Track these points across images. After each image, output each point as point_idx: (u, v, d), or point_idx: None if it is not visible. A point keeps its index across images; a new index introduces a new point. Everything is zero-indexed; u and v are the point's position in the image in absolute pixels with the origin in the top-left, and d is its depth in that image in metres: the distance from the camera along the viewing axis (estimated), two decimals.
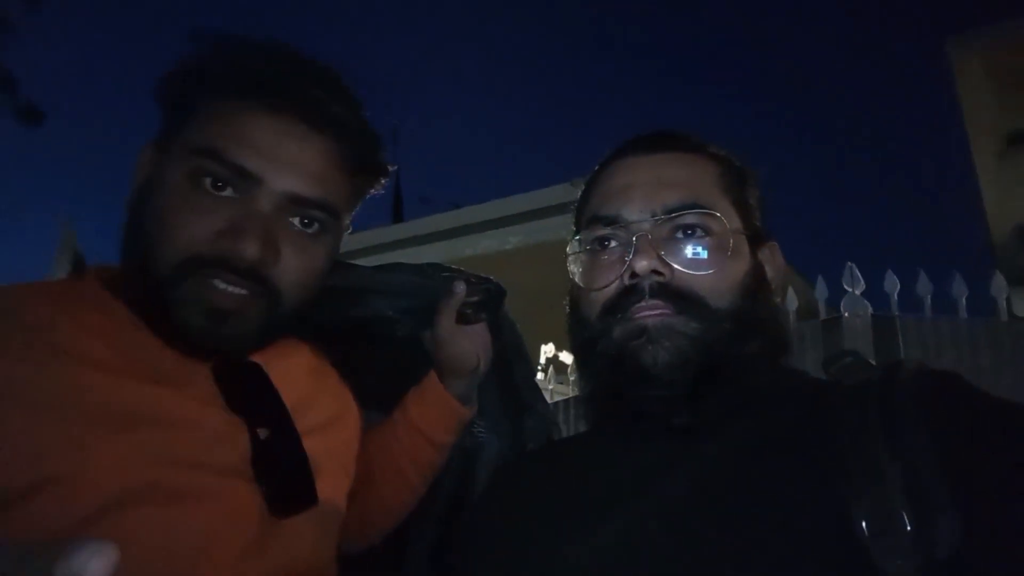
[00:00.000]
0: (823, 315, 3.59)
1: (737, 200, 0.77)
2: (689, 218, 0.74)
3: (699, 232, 0.74)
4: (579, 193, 0.86)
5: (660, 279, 0.72)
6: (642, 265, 0.72)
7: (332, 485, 0.82)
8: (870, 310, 3.38)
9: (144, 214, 0.73)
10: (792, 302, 3.58)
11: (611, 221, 0.76)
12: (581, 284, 0.78)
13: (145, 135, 0.81)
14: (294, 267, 0.74)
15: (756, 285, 0.75)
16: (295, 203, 0.74)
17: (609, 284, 0.74)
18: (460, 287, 0.95)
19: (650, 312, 0.71)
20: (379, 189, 0.88)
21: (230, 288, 0.71)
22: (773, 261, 0.80)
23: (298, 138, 0.74)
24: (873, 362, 0.71)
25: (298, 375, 0.84)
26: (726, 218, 0.74)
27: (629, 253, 0.73)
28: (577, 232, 0.82)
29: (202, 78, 0.76)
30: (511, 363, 1.09)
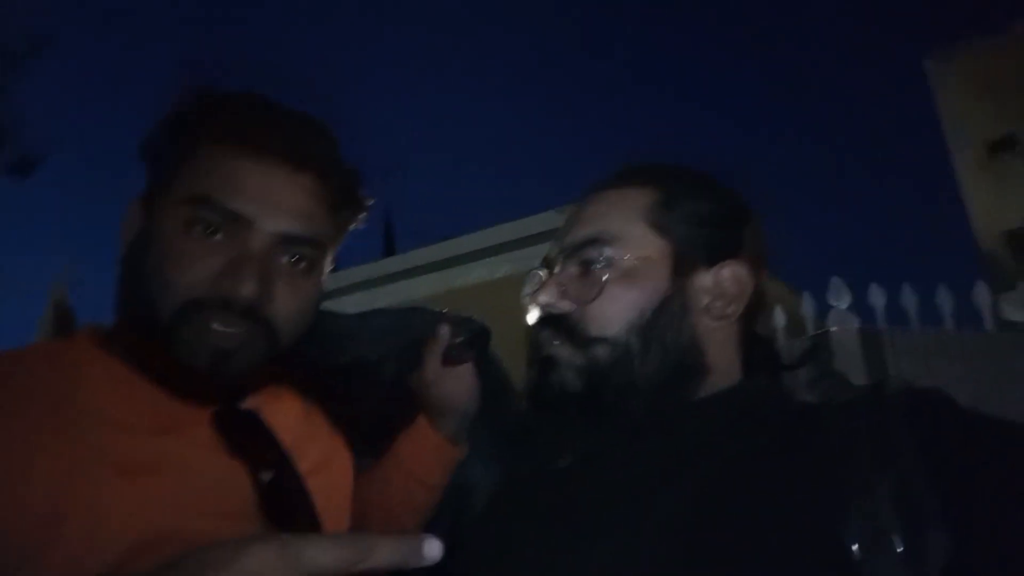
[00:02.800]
0: (811, 331, 3.60)
1: (664, 227, 0.77)
2: (586, 251, 0.77)
3: (594, 264, 0.76)
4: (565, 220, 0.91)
5: (554, 311, 0.76)
6: (539, 299, 0.77)
7: (332, 526, 0.83)
8: (857, 324, 3.39)
9: (139, 266, 0.76)
10: (780, 319, 3.60)
11: (544, 261, 0.83)
12: (526, 318, 0.83)
13: (139, 184, 0.83)
14: (288, 303, 0.77)
15: (663, 310, 0.75)
16: (285, 242, 0.77)
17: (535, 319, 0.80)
18: (444, 329, 0.96)
19: (545, 342, 0.76)
20: (360, 224, 0.91)
21: (229, 329, 0.73)
22: (723, 283, 0.79)
23: (284, 179, 0.77)
24: (862, 377, 0.72)
25: (290, 420, 0.86)
26: (633, 246, 0.76)
27: None
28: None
29: (186, 130, 0.79)
30: (499, 401, 1.10)
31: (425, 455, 0.97)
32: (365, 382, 1.02)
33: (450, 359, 0.96)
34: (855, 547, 0.55)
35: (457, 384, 0.96)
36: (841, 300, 3.50)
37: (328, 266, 0.88)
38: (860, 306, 3.54)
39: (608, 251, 0.76)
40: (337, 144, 0.85)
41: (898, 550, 0.54)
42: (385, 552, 0.46)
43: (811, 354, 0.84)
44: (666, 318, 0.75)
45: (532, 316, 0.81)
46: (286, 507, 0.76)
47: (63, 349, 0.77)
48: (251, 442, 0.78)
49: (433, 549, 0.47)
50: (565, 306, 0.76)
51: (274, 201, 0.76)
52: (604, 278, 0.75)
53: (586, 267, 0.77)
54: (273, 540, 0.45)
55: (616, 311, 0.74)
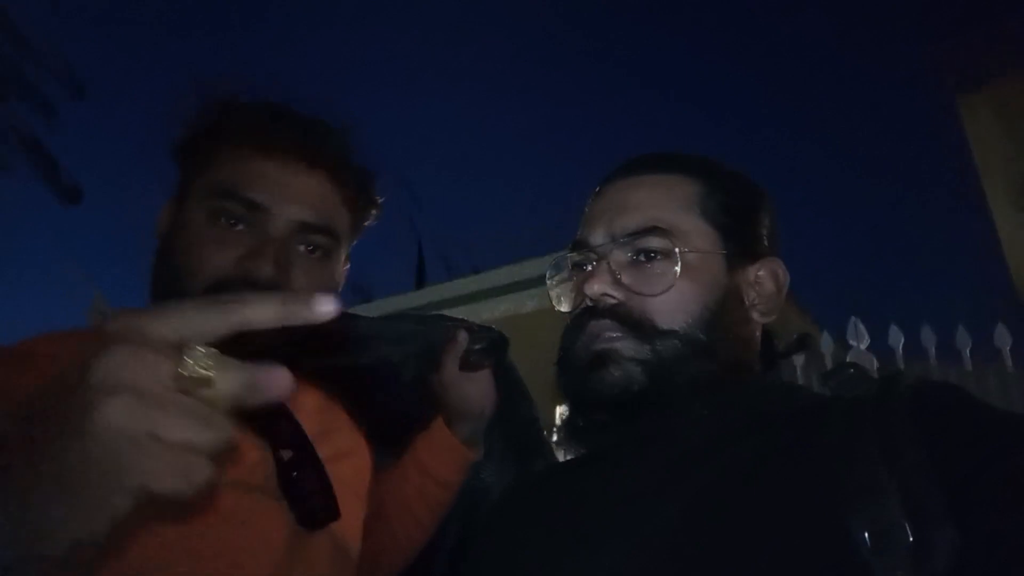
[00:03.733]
0: (828, 367, 3.60)
1: (713, 220, 0.76)
2: (646, 241, 0.74)
3: (655, 254, 0.73)
4: None
5: (611, 302, 0.73)
6: (593, 288, 0.73)
7: (349, 512, 0.86)
8: (875, 364, 3.39)
9: (170, 255, 0.83)
10: (799, 356, 3.61)
11: (580, 246, 0.79)
12: (555, 306, 0.81)
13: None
14: (304, 287, 0.82)
15: (725, 305, 0.74)
16: (300, 229, 0.83)
17: (577, 306, 0.77)
18: (463, 335, 1.01)
19: (600, 334, 0.72)
20: (374, 220, 0.98)
21: None
22: (763, 281, 0.78)
23: (298, 174, 0.84)
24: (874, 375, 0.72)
25: (311, 410, 0.92)
26: (693, 238, 0.74)
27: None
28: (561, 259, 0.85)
29: (211, 135, 0.87)
30: (515, 407, 1.15)
31: (442, 455, 1.02)
32: (387, 383, 1.05)
33: (468, 364, 1.00)
34: (865, 541, 0.54)
35: (474, 389, 1.00)
36: (860, 340, 3.51)
37: (344, 260, 0.94)
38: (879, 345, 3.54)
39: (669, 241, 0.73)
40: (350, 146, 0.92)
41: (900, 541, 0.53)
42: (259, 309, 0.43)
43: (802, 344, 0.86)
44: (728, 314, 0.74)
45: (569, 305, 0.78)
46: (304, 486, 0.80)
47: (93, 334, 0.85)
48: (273, 423, 0.82)
49: (325, 303, 0.43)
50: (621, 296, 0.73)
51: (290, 192, 0.84)
52: (675, 270, 0.72)
53: (644, 256, 0.74)
54: (202, 300, 0.43)
55: (683, 304, 0.72)
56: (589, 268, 0.77)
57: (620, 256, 0.74)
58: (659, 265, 0.73)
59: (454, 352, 1.00)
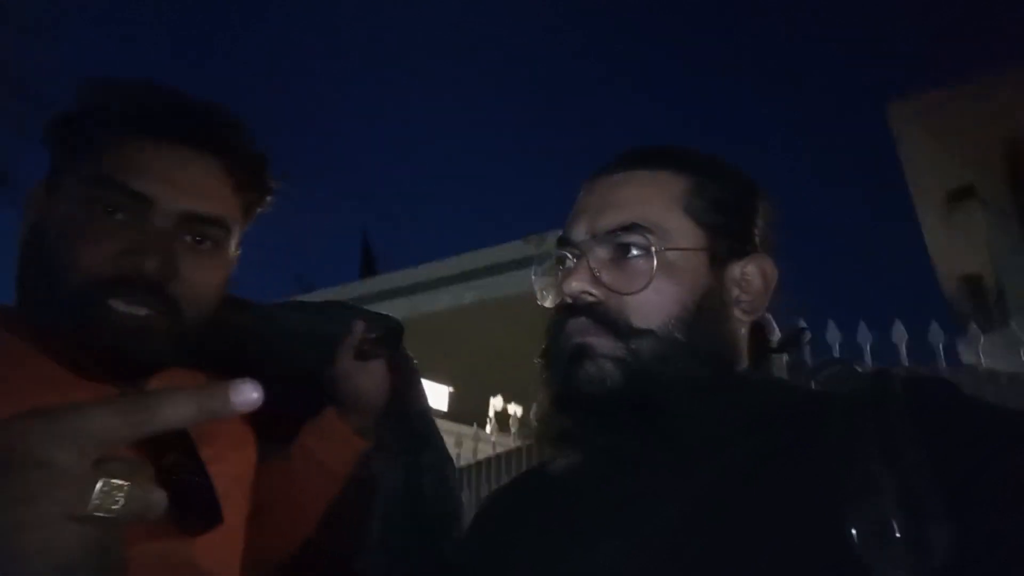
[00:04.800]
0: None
1: (700, 217, 0.75)
2: (624, 237, 0.72)
3: (634, 252, 0.72)
4: (533, 249, 0.89)
5: (589, 299, 0.72)
6: (571, 286, 0.72)
7: (232, 510, 0.84)
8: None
9: (41, 248, 0.76)
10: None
11: (563, 242, 0.77)
12: (539, 301, 0.79)
13: None
14: (192, 282, 0.77)
15: (703, 305, 0.73)
16: (188, 220, 0.78)
17: (557, 303, 0.76)
18: (359, 325, 0.98)
19: (578, 329, 0.71)
20: (267, 207, 0.92)
21: (132, 308, 0.73)
22: (750, 278, 0.77)
23: (185, 160, 0.79)
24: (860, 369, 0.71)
25: None
26: (674, 236, 0.73)
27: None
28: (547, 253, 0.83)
29: (91, 117, 0.80)
30: (408, 398, 1.11)
31: (332, 446, 0.99)
32: (276, 372, 1.01)
33: (363, 354, 0.98)
34: (855, 536, 0.54)
35: (368, 379, 0.98)
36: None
37: (235, 247, 0.88)
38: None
39: (649, 239, 0.72)
40: (242, 129, 0.86)
41: (898, 540, 0.53)
42: (176, 409, 0.42)
43: (794, 340, 0.82)
44: (708, 313, 0.73)
45: (551, 301, 0.77)
46: (186, 491, 0.75)
47: None
48: None
49: (244, 393, 0.43)
50: (600, 294, 0.72)
51: (176, 181, 0.77)
52: (653, 268, 0.71)
53: (623, 254, 0.73)
54: (114, 401, 0.42)
55: (660, 303, 0.71)
56: (567, 264, 0.77)
57: (601, 253, 0.74)
58: (637, 263, 0.72)
59: (349, 342, 0.99)
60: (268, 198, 0.92)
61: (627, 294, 0.71)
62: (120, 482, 0.41)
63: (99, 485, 0.40)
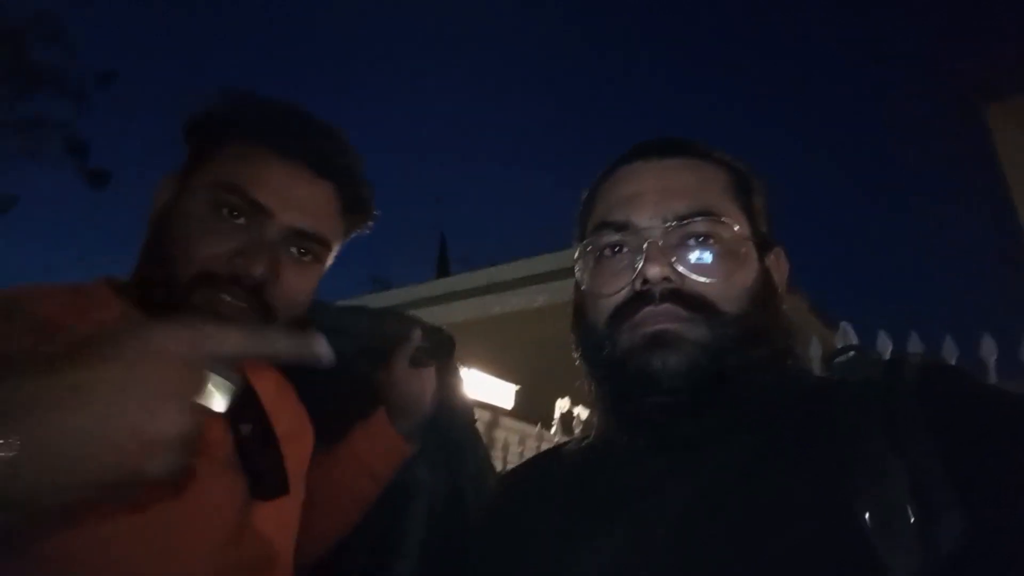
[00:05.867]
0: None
1: (744, 206, 0.77)
2: (699, 225, 0.73)
3: (709, 239, 0.73)
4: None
5: (670, 285, 0.71)
6: (654, 271, 0.71)
7: (293, 491, 0.88)
8: None
9: (164, 233, 0.83)
10: (816, 349, 3.51)
11: (620, 227, 0.75)
12: (589, 290, 0.77)
13: None
14: (289, 289, 0.84)
15: (764, 291, 0.75)
16: (296, 235, 0.85)
17: (619, 290, 0.74)
18: (416, 333, 1.04)
19: (661, 317, 0.70)
20: (366, 230, 1.00)
21: (235, 301, 0.80)
22: (779, 267, 0.80)
23: (305, 181, 0.86)
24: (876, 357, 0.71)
25: (267, 387, 0.93)
26: (735, 224, 0.74)
27: (639, 259, 0.72)
28: (583, 238, 0.81)
29: (228, 124, 0.88)
30: (454, 408, 1.16)
31: (379, 448, 1.04)
32: (335, 372, 1.06)
33: (417, 362, 1.03)
34: (868, 521, 0.55)
35: (419, 385, 1.03)
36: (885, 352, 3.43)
37: (330, 261, 0.95)
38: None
39: (719, 228, 0.73)
40: (357, 157, 0.93)
41: (911, 526, 0.54)
42: (282, 344, 0.54)
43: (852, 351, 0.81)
44: (768, 299, 0.75)
45: (611, 288, 0.74)
46: (260, 459, 0.82)
47: (80, 290, 0.83)
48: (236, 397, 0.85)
49: (321, 347, 0.54)
50: (676, 279, 0.71)
51: (293, 198, 0.84)
52: (729, 254, 0.73)
53: (698, 241, 0.73)
54: (180, 324, 0.51)
55: (735, 289, 0.72)
56: (623, 251, 0.75)
57: (671, 239, 0.73)
58: (713, 249, 0.73)
59: (406, 348, 1.04)
60: (368, 224, 0.99)
61: (709, 279, 0.71)
62: (223, 380, 0.51)
63: (210, 377, 0.50)
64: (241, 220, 0.82)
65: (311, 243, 0.86)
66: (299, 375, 1.01)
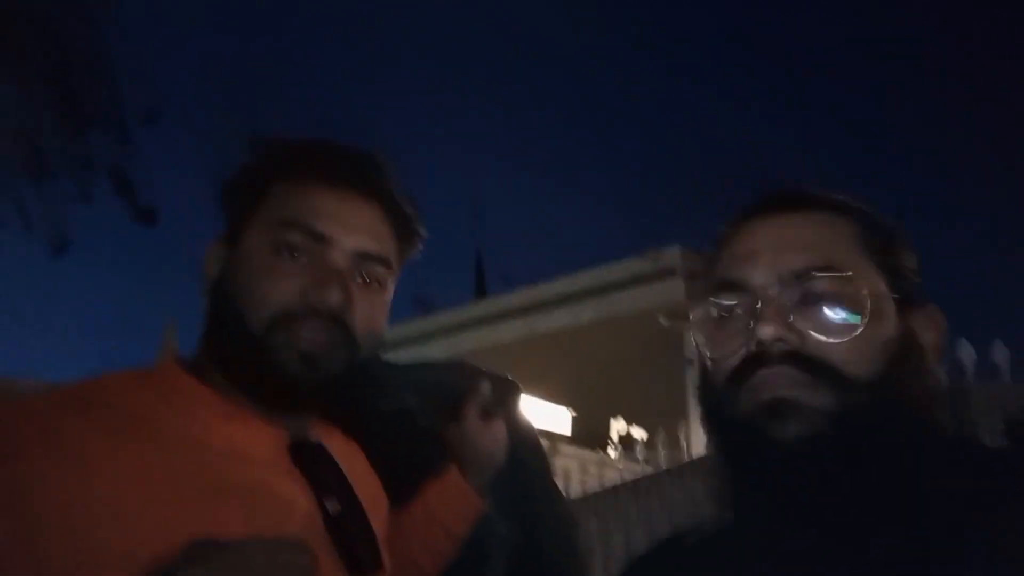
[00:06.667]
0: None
1: (880, 261, 0.72)
2: (820, 282, 0.69)
3: (832, 296, 0.68)
4: (652, 266, 0.91)
5: (787, 347, 0.67)
6: (767, 331, 0.67)
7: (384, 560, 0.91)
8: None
9: (228, 291, 0.83)
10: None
11: (736, 287, 0.72)
12: (706, 352, 0.75)
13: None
14: (365, 316, 0.83)
15: (903, 352, 0.69)
16: (361, 258, 0.84)
17: (734, 352, 0.70)
18: (485, 386, 1.03)
19: (779, 381, 0.67)
20: (416, 255, 0.99)
21: (317, 335, 0.80)
22: (930, 325, 0.73)
23: (355, 205, 0.86)
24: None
25: (340, 455, 0.93)
26: (864, 280, 0.69)
27: (754, 319, 0.69)
28: (704, 299, 0.78)
29: (265, 171, 0.90)
30: (526, 459, 1.16)
31: (453, 503, 1.02)
32: (403, 429, 1.08)
33: (486, 413, 1.02)
34: None
35: (492, 438, 1.02)
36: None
37: (393, 287, 0.95)
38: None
39: (843, 285, 0.69)
40: (398, 176, 0.95)
41: None
42: None
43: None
44: (909, 362, 0.69)
45: (724, 350, 0.72)
46: (352, 534, 0.82)
47: (151, 377, 0.83)
48: (319, 470, 0.85)
49: None
50: (795, 340, 0.67)
51: (350, 222, 0.85)
52: (855, 313, 0.68)
53: (816, 298, 0.69)
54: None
55: (865, 351, 0.67)
56: (739, 311, 0.72)
57: (788, 298, 0.69)
58: (836, 307, 0.68)
59: (475, 401, 1.02)
60: (420, 245, 0.98)
61: (833, 341, 0.67)
62: None
63: None
64: (304, 258, 0.82)
65: (376, 265, 0.86)
66: (364, 433, 1.02)
